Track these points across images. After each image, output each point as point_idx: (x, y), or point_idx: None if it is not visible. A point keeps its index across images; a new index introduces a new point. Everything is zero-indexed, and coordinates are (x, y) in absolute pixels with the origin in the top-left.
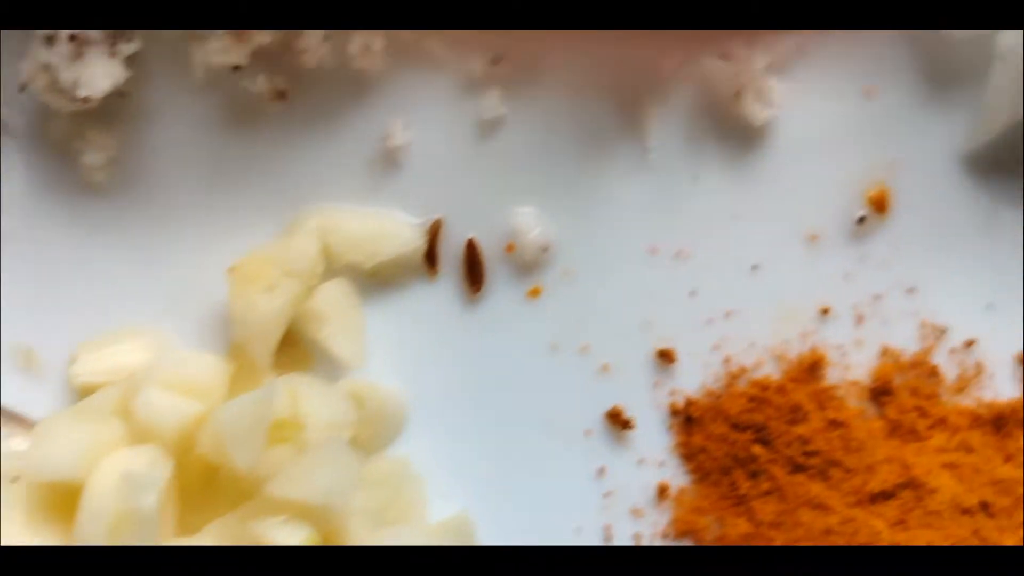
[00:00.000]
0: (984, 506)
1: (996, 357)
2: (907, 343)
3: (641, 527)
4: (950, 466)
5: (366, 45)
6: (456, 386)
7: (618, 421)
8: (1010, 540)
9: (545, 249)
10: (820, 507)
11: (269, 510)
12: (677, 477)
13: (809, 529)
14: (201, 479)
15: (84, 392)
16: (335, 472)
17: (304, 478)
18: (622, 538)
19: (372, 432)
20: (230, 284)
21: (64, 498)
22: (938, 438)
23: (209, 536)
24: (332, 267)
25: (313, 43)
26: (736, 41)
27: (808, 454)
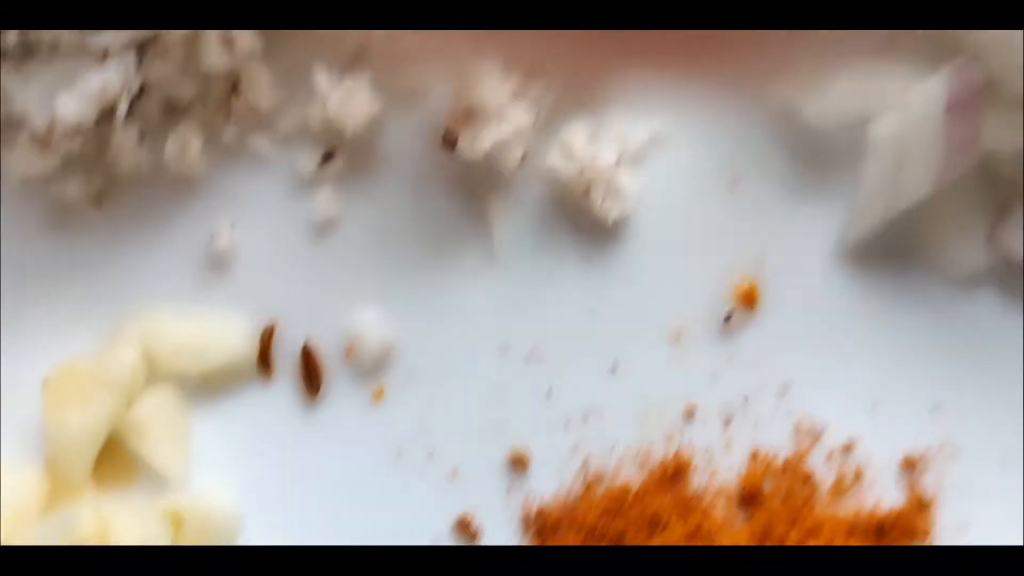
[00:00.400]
0: None
1: (878, 461)
2: (780, 446)
3: None
4: None
5: (182, 148)
6: (294, 497)
7: (467, 531)
8: None
9: (387, 351)
10: None
11: None
12: None
13: None
14: None
15: None
16: None
17: None
18: None
19: None
20: (43, 398)
21: None
22: None
23: None
24: (156, 374)
25: (126, 148)
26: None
27: None
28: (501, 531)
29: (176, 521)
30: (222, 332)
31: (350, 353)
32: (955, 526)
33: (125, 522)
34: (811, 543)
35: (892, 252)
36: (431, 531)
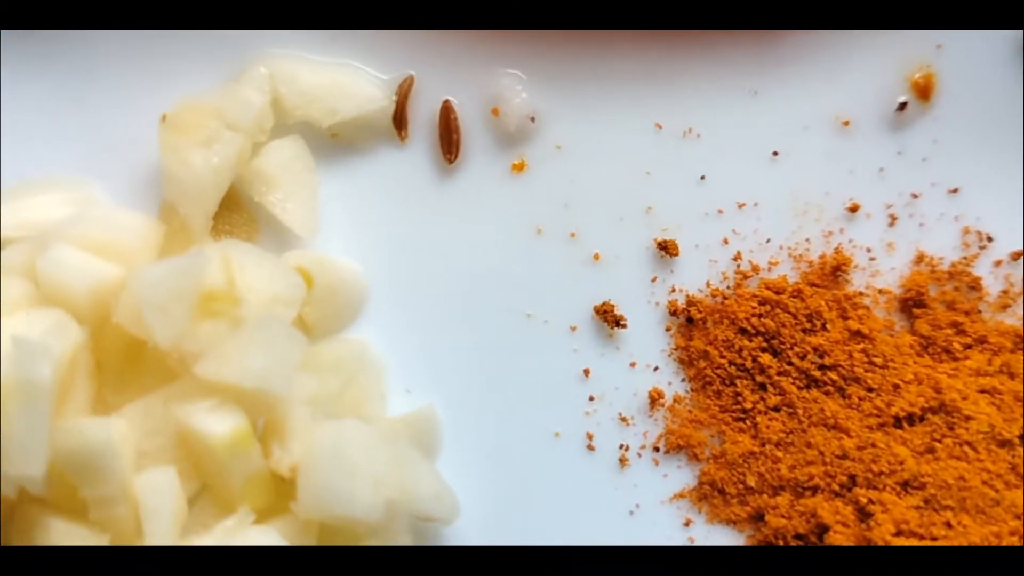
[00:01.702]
0: None
1: None
2: (946, 250)
3: (628, 437)
4: (989, 391)
5: None
6: (425, 267)
7: (609, 318)
8: None
9: (532, 118)
10: (835, 428)
11: (196, 392)
12: (673, 384)
13: (821, 452)
14: (123, 354)
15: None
16: (273, 353)
17: (237, 358)
18: (606, 448)
19: (324, 312)
20: (161, 135)
21: None
22: (976, 359)
23: (127, 417)
24: (284, 123)
25: None
26: None
27: (824, 368)
28: (645, 320)
29: (307, 277)
30: (356, 83)
31: (496, 112)
32: None
33: (253, 272)
34: (977, 352)
35: None
36: (570, 315)
